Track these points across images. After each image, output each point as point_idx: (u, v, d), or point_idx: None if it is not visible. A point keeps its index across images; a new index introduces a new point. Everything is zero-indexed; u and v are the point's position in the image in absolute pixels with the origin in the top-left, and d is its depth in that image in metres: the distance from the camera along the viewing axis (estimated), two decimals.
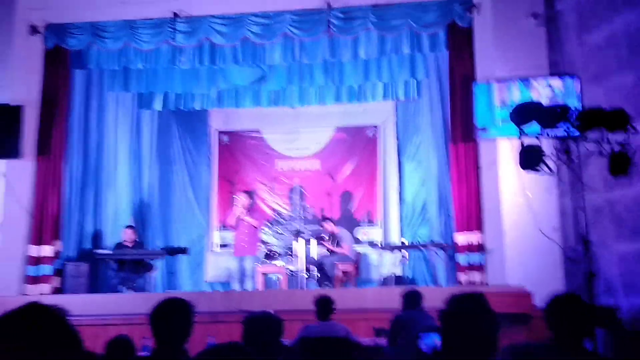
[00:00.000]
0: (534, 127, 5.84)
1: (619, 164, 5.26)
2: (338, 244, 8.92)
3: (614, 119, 5.44)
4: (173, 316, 2.81)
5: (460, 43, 7.97)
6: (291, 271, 9.07)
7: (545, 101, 6.67)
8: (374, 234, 10.34)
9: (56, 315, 1.34)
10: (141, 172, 10.20)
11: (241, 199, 8.74)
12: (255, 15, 8.25)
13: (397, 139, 10.52)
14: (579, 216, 5.58)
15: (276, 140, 10.95)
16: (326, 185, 10.61)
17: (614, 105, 5.48)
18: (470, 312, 2.30)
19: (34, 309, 1.29)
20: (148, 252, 8.88)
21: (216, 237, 10.61)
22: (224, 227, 10.18)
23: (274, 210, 10.73)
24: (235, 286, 8.60)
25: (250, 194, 9.34)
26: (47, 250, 8.05)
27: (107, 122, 9.73)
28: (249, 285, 8.43)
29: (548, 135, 5.78)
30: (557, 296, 2.69)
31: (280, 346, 3.47)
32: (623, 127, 5.28)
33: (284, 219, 10.67)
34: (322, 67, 9.37)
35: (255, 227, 8.68)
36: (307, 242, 9.32)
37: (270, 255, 9.44)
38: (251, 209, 8.91)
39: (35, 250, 8.00)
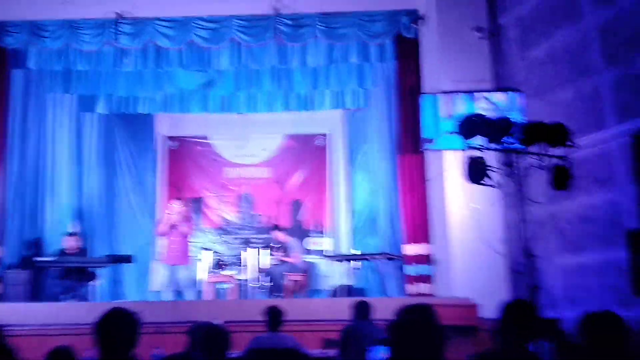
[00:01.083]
0: (478, 139, 5.98)
1: (560, 178, 5.43)
2: (288, 254, 8.87)
3: (555, 134, 5.63)
4: (120, 326, 2.75)
5: (407, 54, 8.10)
6: (241, 281, 8.97)
7: (489, 114, 6.82)
8: (324, 243, 10.36)
9: None
10: (82, 177, 9.87)
11: (174, 207, 8.53)
12: (203, 19, 8.18)
13: (346, 147, 10.58)
14: (522, 229, 5.74)
15: (224, 146, 10.83)
16: (275, 194, 10.57)
17: (555, 119, 5.67)
18: (418, 325, 2.35)
19: None
20: (91, 260, 8.58)
21: (162, 245, 10.37)
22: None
23: (222, 218, 10.59)
24: (168, 296, 8.40)
25: (185, 201, 9.11)
26: None
27: (47, 124, 9.41)
28: (189, 296, 8.25)
29: (492, 148, 5.92)
30: (509, 302, 2.79)
31: (226, 358, 3.42)
32: (563, 142, 5.46)
33: (233, 227, 10.55)
34: (271, 73, 9.32)
35: (185, 236, 8.48)
36: (257, 251, 9.24)
37: (219, 265, 9.30)
38: (186, 217, 8.70)
39: None
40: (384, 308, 6.08)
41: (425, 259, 7.52)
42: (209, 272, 9.09)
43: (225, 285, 9.14)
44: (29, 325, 6.41)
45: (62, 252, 8.39)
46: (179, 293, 8.47)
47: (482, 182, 5.83)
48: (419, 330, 2.28)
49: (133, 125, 10.73)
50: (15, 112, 8.75)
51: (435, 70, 7.61)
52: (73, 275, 7.83)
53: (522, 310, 2.84)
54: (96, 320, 2.73)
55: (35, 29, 8.16)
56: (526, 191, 5.64)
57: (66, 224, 9.34)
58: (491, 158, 5.89)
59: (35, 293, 8.29)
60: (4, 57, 8.35)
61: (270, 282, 8.74)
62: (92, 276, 8.46)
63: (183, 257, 8.41)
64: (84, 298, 8.16)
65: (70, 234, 8.70)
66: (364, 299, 6.06)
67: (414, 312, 2.34)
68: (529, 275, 5.28)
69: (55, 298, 7.94)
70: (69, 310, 6.96)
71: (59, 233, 9.03)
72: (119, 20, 8.06)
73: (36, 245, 8.95)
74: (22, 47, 8.39)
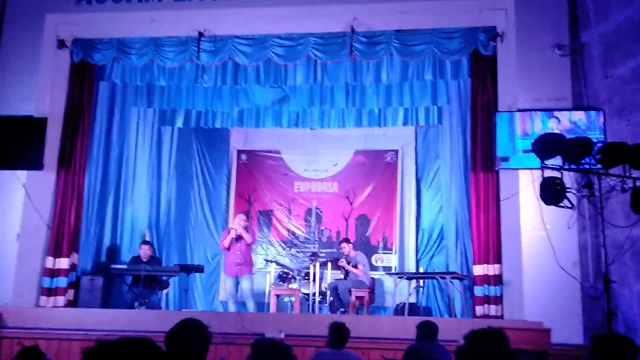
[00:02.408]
0: (556, 159, 5.78)
1: None
2: (355, 266, 8.82)
3: (638, 155, 5.38)
4: (190, 338, 2.78)
5: (483, 71, 7.95)
6: (305, 294, 9.00)
7: (568, 133, 6.60)
8: (390, 260, 10.26)
9: None
10: (160, 188, 10.25)
11: (237, 220, 8.49)
12: (280, 37, 8.30)
13: (416, 164, 10.49)
14: (599, 252, 5.48)
15: (295, 161, 10.97)
16: (343, 208, 10.58)
17: (638, 141, 5.41)
18: (489, 352, 2.25)
19: None
20: (163, 268, 8.86)
21: (225, 257, 10.56)
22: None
23: (290, 231, 10.70)
24: (230, 307, 8.48)
25: (249, 213, 9.18)
26: (63, 263, 8.08)
27: (129, 137, 9.80)
28: (253, 307, 8.27)
29: (570, 168, 5.71)
30: (601, 336, 2.60)
31: None
32: None
33: (299, 241, 10.64)
34: (344, 90, 9.39)
35: (248, 246, 8.49)
36: (323, 265, 9.27)
37: (284, 277, 9.38)
38: (249, 229, 8.68)
39: (52, 262, 8.03)
40: (450, 329, 5.97)
41: (495, 280, 7.28)
42: (273, 285, 9.17)
43: (289, 299, 9.20)
44: (100, 331, 6.66)
45: (136, 260, 8.70)
46: (242, 304, 8.52)
47: (558, 203, 5.64)
48: (490, 357, 2.19)
49: (209, 139, 11.08)
50: (101, 125, 9.20)
51: (512, 88, 7.42)
52: (145, 283, 8.09)
53: (618, 348, 2.56)
54: (168, 331, 2.78)
55: (123, 46, 8.51)
56: (604, 213, 5.40)
57: (142, 232, 9.71)
58: (568, 179, 5.69)
59: (108, 299, 8.60)
60: (93, 72, 8.78)
61: (335, 297, 8.72)
62: (164, 285, 8.74)
63: (247, 268, 8.40)
64: (156, 306, 8.42)
65: (145, 243, 9.01)
66: (429, 318, 5.95)
67: (485, 337, 2.21)
68: (604, 301, 5.02)
69: (128, 305, 8.23)
70: (141, 317, 7.20)
71: (135, 241, 9.40)
72: (200, 38, 8.32)
73: (112, 252, 9.33)
74: (109, 64, 8.78)
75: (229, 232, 8.50)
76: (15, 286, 7.60)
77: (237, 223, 8.45)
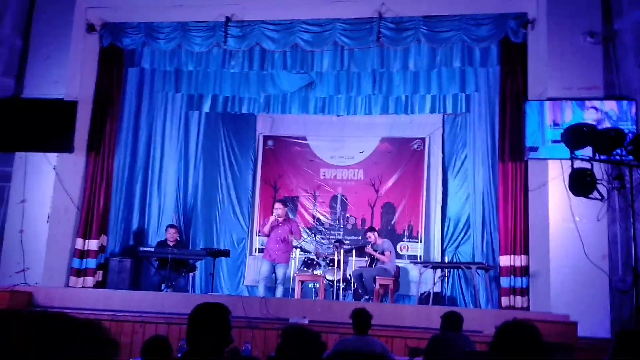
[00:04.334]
0: (586, 150, 5.68)
1: None
2: (382, 253, 8.82)
3: None
4: (210, 320, 2.80)
5: (513, 59, 7.82)
6: (329, 281, 9.04)
7: (599, 124, 6.47)
8: (415, 248, 10.24)
9: None
10: (187, 172, 10.33)
11: (277, 210, 8.66)
12: (306, 22, 8.27)
13: (443, 153, 10.39)
14: (629, 245, 5.38)
15: (321, 147, 10.96)
16: (368, 196, 10.56)
17: None
18: (523, 346, 2.22)
19: None
20: (190, 252, 9.00)
21: (256, 241, 10.67)
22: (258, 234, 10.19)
23: (315, 218, 10.73)
24: (260, 291, 8.60)
25: (284, 202, 9.28)
26: (93, 244, 8.26)
27: (157, 121, 9.91)
28: (279, 292, 8.40)
29: (601, 159, 5.61)
30: (625, 331, 2.56)
31: None
32: None
33: (324, 227, 10.66)
34: (371, 76, 9.32)
35: (290, 242, 8.62)
36: (348, 252, 9.28)
37: (309, 264, 9.43)
38: (288, 219, 8.84)
39: (81, 244, 8.20)
40: (475, 319, 5.95)
41: (522, 271, 7.21)
42: (298, 271, 9.23)
43: (314, 285, 9.25)
44: (128, 312, 6.80)
45: (164, 243, 8.82)
46: (270, 289, 8.66)
47: (588, 195, 5.55)
48: (524, 352, 2.16)
49: (235, 124, 11.12)
50: (130, 109, 9.32)
51: (542, 76, 7.29)
52: (172, 266, 8.21)
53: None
54: (189, 313, 2.82)
55: (151, 30, 8.57)
56: (636, 207, 5.30)
57: (169, 216, 9.83)
58: (598, 170, 5.59)
59: (136, 281, 8.77)
60: (121, 57, 8.87)
61: (359, 284, 8.74)
62: (191, 268, 8.85)
63: (285, 256, 8.57)
64: (182, 289, 8.54)
65: (172, 226, 9.13)
66: (454, 309, 5.93)
67: (518, 331, 2.16)
68: (633, 295, 4.94)
69: (155, 287, 8.36)
70: (168, 299, 7.31)
71: (162, 225, 9.53)
72: (228, 23, 8.32)
73: (140, 235, 9.47)
74: (137, 48, 8.85)
75: (270, 220, 8.65)
76: (46, 266, 7.76)
77: (275, 212, 8.60)
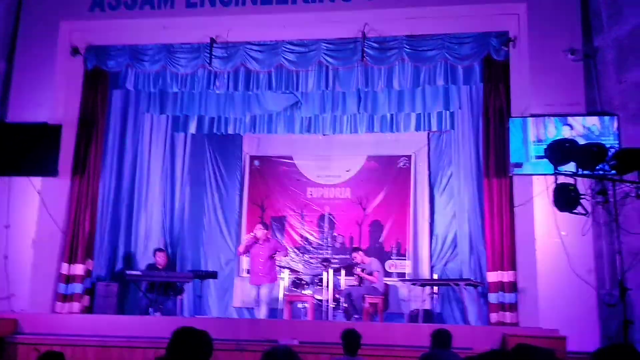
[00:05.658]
0: (569, 165, 5.75)
1: None
2: (370, 274, 8.83)
3: None
4: (189, 347, 2.77)
5: (496, 76, 7.92)
6: (318, 300, 9.00)
7: (582, 139, 6.55)
8: (403, 266, 10.23)
9: None
10: (173, 194, 10.27)
11: (257, 230, 8.73)
12: (291, 43, 8.32)
13: (429, 170, 10.44)
14: (614, 259, 5.42)
15: (307, 166, 10.97)
16: (356, 214, 10.57)
17: None
18: None
19: None
20: (178, 275, 8.93)
21: (244, 262, 10.60)
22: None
23: (303, 237, 10.71)
24: (257, 313, 8.60)
25: (266, 224, 9.30)
26: (79, 269, 8.17)
27: (142, 143, 9.87)
28: (262, 313, 8.40)
29: (584, 174, 5.67)
30: (605, 348, 2.53)
31: None
32: None
33: (312, 247, 10.64)
34: (356, 95, 9.34)
35: (273, 259, 8.69)
36: (336, 271, 9.25)
37: (297, 284, 9.39)
38: (267, 239, 8.87)
39: (67, 269, 8.11)
40: (465, 336, 5.94)
41: (510, 287, 7.23)
42: (287, 291, 9.19)
43: (303, 305, 9.20)
44: (115, 337, 6.70)
45: (151, 267, 8.75)
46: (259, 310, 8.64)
47: (572, 210, 5.60)
48: None
49: (221, 145, 11.11)
50: (115, 131, 9.29)
51: (524, 93, 7.39)
52: (160, 289, 8.13)
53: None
54: (169, 339, 2.79)
55: (136, 52, 8.56)
56: (621, 220, 5.35)
57: (156, 239, 9.75)
58: (582, 185, 5.64)
59: (123, 305, 8.67)
60: (106, 79, 8.85)
61: (349, 303, 8.71)
62: (179, 291, 8.78)
63: (267, 277, 8.64)
64: (171, 312, 8.46)
65: (159, 249, 9.06)
66: (443, 326, 5.92)
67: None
68: (621, 308, 4.97)
69: (142, 311, 8.27)
70: (155, 323, 7.22)
71: (149, 247, 9.45)
72: (212, 44, 8.35)
73: (126, 258, 9.38)
74: (122, 70, 8.81)
75: (246, 240, 8.72)
76: (31, 292, 7.66)
77: (254, 232, 8.69)
